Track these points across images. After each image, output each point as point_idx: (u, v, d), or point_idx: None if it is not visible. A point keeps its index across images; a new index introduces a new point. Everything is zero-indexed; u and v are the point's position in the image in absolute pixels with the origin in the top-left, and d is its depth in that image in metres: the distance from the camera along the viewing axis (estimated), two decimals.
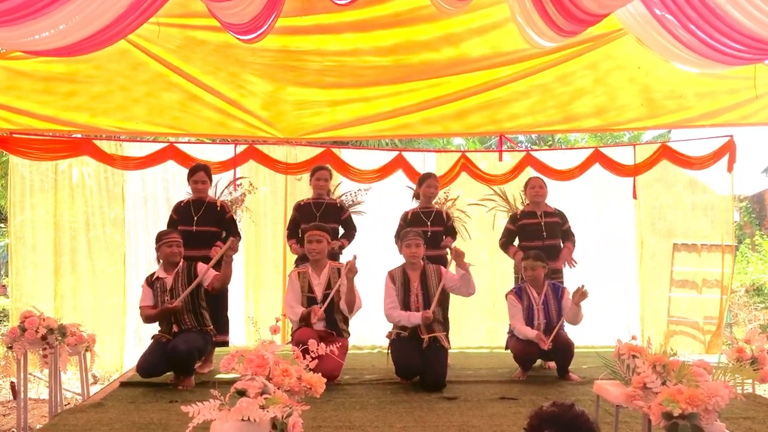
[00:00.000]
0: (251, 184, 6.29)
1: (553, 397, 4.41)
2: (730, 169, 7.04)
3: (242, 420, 2.26)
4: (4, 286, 6.47)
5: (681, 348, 7.19)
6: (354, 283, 4.85)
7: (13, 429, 4.82)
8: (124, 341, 6.91)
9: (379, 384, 4.85)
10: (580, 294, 4.79)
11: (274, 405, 2.33)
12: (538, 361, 5.32)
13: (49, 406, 4.36)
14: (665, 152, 7.17)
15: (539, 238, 5.60)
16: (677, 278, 7.40)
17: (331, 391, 4.31)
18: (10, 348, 4.17)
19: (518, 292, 5.12)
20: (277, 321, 3.06)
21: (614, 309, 7.27)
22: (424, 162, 7.30)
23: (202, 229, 5.34)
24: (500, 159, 7.31)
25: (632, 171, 7.29)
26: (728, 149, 7.00)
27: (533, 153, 7.50)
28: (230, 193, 5.89)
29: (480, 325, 7.43)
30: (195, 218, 5.39)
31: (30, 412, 4.79)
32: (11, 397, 5.68)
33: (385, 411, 4.03)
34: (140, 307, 4.91)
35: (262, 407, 2.30)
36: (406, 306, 4.88)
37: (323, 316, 4.84)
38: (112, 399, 4.33)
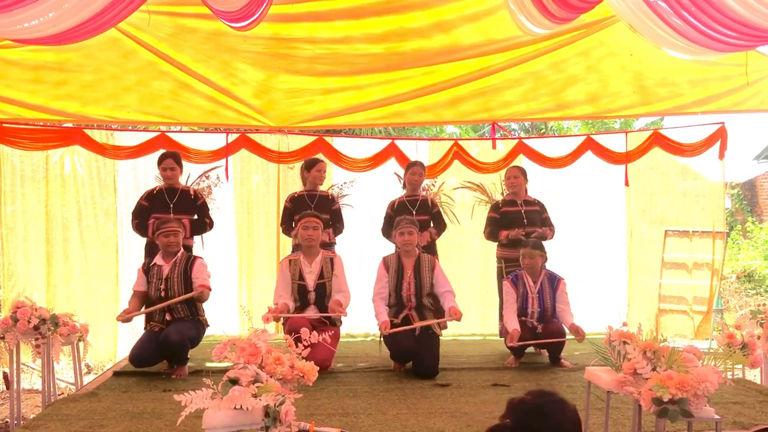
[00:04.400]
0: (218, 178, 6.26)
1: (545, 383, 4.45)
2: (721, 156, 7.06)
3: (235, 408, 2.27)
4: None
5: (671, 328, 7.25)
6: (340, 273, 4.93)
7: (7, 419, 4.82)
8: (117, 331, 6.90)
9: (372, 372, 4.87)
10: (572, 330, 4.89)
11: (267, 393, 2.33)
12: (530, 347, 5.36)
13: (43, 396, 4.36)
14: (657, 139, 7.17)
15: (520, 226, 5.65)
16: (668, 265, 7.44)
17: (324, 379, 4.32)
18: (2, 338, 4.16)
19: (514, 280, 5.14)
20: (269, 310, 3.07)
21: (606, 296, 7.32)
22: (416, 150, 7.29)
23: (179, 216, 5.36)
24: (494, 147, 7.31)
25: (624, 158, 7.30)
26: (720, 136, 7.01)
27: (526, 141, 7.50)
28: (198, 183, 5.91)
29: (473, 312, 7.46)
30: (171, 206, 5.44)
31: (23, 402, 4.79)
32: (4, 388, 5.67)
33: (378, 398, 4.05)
34: (133, 290, 4.98)
35: (255, 396, 2.31)
36: (398, 292, 4.91)
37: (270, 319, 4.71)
38: (105, 388, 4.34)
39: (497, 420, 1.77)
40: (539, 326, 4.97)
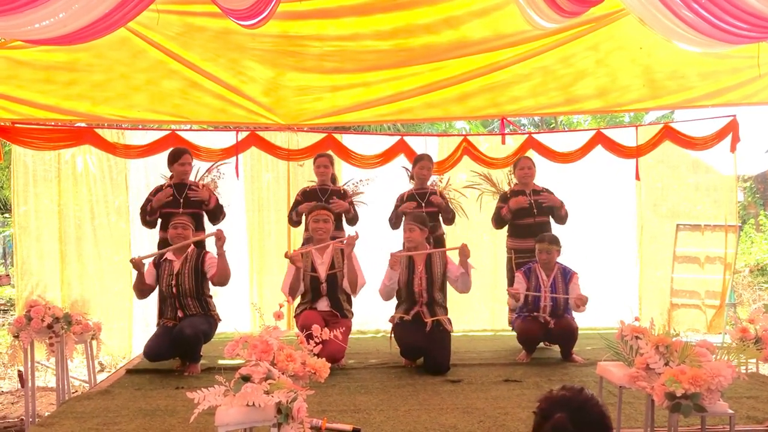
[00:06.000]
0: (218, 172, 6.25)
1: (557, 379, 4.45)
2: (733, 149, 7.01)
3: (247, 405, 2.28)
4: (7, 275, 6.47)
5: (683, 323, 7.22)
6: (354, 260, 4.90)
7: (22, 416, 4.87)
8: (132, 328, 6.96)
9: (384, 368, 4.88)
10: (578, 299, 4.88)
11: (279, 390, 2.34)
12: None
13: (57, 393, 4.40)
14: (668, 133, 7.13)
15: (530, 216, 5.67)
16: (680, 259, 7.40)
17: (336, 375, 4.35)
18: (17, 337, 4.20)
19: (527, 272, 5.13)
20: (280, 307, 3.08)
21: (617, 291, 7.29)
22: (426, 146, 7.27)
23: (189, 211, 5.37)
24: (503, 142, 7.28)
25: (635, 152, 7.26)
26: (731, 129, 6.95)
27: (535, 136, 7.48)
28: (203, 178, 5.94)
29: (482, 307, 7.45)
30: (181, 201, 5.45)
31: (38, 400, 4.83)
32: (19, 386, 5.73)
33: (390, 394, 4.06)
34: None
35: (267, 392, 2.32)
36: (409, 288, 4.90)
37: (298, 255, 4.85)
38: (118, 386, 4.38)
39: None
40: (551, 321, 4.96)
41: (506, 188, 6.10)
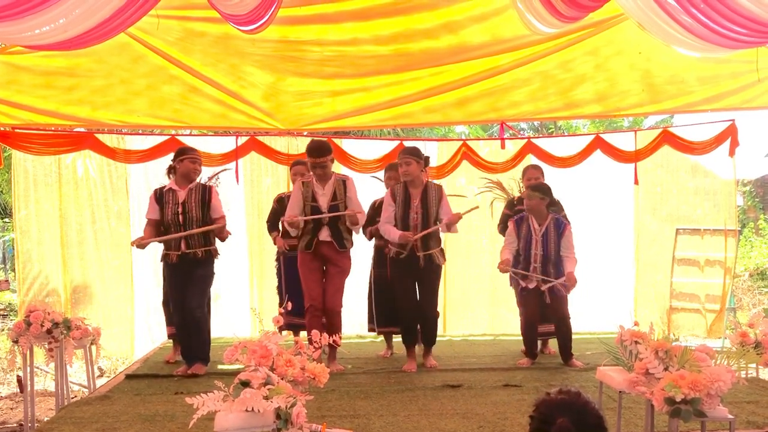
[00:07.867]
0: (217, 179, 6.23)
1: (557, 383, 4.43)
2: (732, 153, 7.01)
3: (246, 410, 2.28)
4: (6, 281, 6.44)
5: (683, 327, 7.22)
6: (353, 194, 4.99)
7: (21, 422, 4.86)
8: (133, 331, 6.95)
9: (383, 373, 4.89)
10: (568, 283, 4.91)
11: (278, 395, 2.34)
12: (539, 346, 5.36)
13: (56, 399, 4.40)
14: (666, 138, 7.13)
15: None
16: (679, 264, 7.40)
17: (335, 380, 4.34)
18: (16, 342, 4.20)
19: (518, 221, 5.18)
20: (280, 312, 3.08)
21: (615, 294, 7.29)
22: (425, 151, 7.24)
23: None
24: (503, 147, 7.29)
25: (633, 157, 7.27)
26: (730, 133, 6.95)
27: (534, 140, 7.48)
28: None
29: (483, 311, 7.45)
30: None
31: (37, 405, 4.83)
32: (18, 391, 5.72)
33: (389, 399, 4.05)
34: (147, 218, 4.98)
35: (266, 398, 2.32)
36: (405, 222, 4.94)
37: (300, 224, 4.91)
38: (117, 391, 4.38)
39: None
40: (546, 293, 4.98)
41: (517, 194, 6.09)
